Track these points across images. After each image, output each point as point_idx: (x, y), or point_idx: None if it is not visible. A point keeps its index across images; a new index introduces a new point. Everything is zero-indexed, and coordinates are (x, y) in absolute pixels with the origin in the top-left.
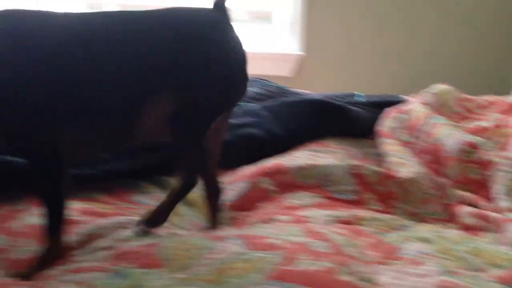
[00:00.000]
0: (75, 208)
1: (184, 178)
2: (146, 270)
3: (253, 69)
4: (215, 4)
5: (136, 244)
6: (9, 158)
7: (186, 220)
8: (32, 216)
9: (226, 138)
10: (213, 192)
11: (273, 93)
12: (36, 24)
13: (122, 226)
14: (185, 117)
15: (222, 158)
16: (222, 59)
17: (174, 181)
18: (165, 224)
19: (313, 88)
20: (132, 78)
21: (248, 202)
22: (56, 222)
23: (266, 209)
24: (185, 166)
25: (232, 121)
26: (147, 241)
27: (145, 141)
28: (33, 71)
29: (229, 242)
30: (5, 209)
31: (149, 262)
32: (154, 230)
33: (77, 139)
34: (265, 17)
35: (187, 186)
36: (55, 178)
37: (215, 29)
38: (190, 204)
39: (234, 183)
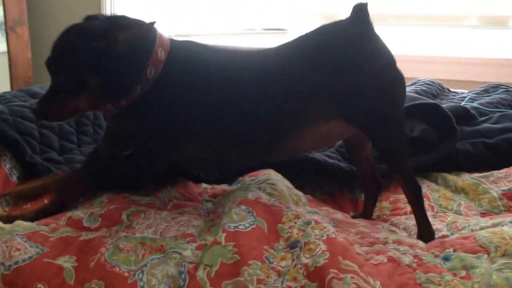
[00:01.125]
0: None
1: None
2: (470, 255)
3: (485, 76)
4: (355, 11)
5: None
6: None
7: (457, 204)
8: None
9: (490, 141)
10: (375, 187)
11: None
12: (207, 55)
13: None
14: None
15: (486, 162)
16: (375, 67)
17: (451, 177)
18: (436, 208)
19: None
20: (291, 106)
21: None
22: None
23: None
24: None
25: (493, 125)
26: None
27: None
28: (202, 95)
29: None
30: None
31: (470, 248)
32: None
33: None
34: (501, 22)
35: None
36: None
37: (362, 41)
38: (456, 191)
39: (508, 173)
